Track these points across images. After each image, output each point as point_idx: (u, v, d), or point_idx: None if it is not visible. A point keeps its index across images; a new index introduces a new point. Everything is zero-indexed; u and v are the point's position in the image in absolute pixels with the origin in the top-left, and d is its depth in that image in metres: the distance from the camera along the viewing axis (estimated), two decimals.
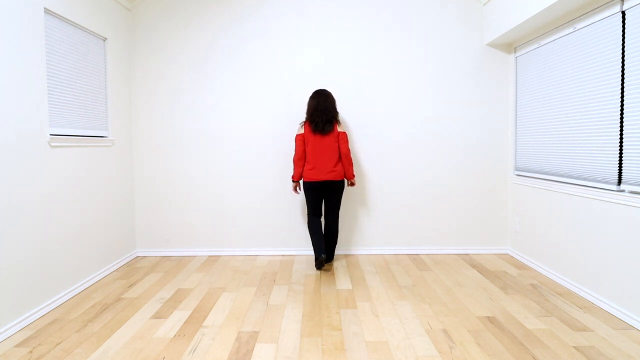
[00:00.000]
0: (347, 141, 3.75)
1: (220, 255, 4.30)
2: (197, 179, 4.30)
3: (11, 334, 2.58)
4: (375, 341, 2.45)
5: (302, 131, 3.78)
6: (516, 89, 4.12)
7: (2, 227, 2.55)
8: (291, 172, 4.29)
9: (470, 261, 4.04)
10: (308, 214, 3.87)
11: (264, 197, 4.31)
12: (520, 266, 3.85)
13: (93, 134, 3.59)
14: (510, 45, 4.17)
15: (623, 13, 2.72)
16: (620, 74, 2.74)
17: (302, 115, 4.26)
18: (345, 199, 4.31)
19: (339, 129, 3.74)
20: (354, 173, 3.86)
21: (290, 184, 4.30)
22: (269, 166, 4.29)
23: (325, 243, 3.88)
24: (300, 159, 3.77)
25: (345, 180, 3.91)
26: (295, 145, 3.78)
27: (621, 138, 2.76)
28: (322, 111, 3.68)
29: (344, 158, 3.75)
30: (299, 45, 4.23)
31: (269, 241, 4.34)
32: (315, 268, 3.85)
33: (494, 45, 4.19)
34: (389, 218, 4.32)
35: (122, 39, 4.06)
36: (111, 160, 3.86)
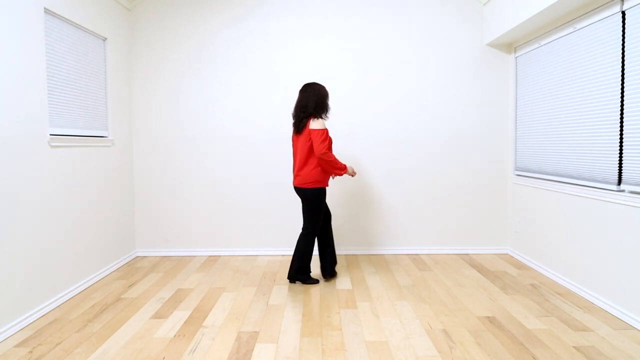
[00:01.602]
0: (319, 138, 3.12)
1: (220, 255, 4.30)
2: (197, 178, 4.30)
3: (11, 334, 2.58)
4: (375, 341, 2.45)
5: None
6: (516, 89, 4.12)
7: (2, 226, 2.54)
8: (292, 172, 4.30)
9: (470, 261, 4.04)
10: None
11: (264, 196, 4.31)
12: (520, 266, 3.85)
13: (93, 134, 3.59)
14: (510, 45, 4.17)
15: (623, 13, 2.72)
16: (620, 74, 2.74)
17: None
18: (345, 198, 4.31)
19: (311, 126, 3.17)
20: (344, 165, 3.27)
21: (290, 186, 4.30)
22: (270, 165, 4.29)
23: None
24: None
25: (314, 189, 3.23)
26: None
27: (621, 138, 2.76)
28: (301, 108, 3.25)
29: (318, 160, 3.19)
30: (299, 44, 4.23)
31: (269, 241, 4.34)
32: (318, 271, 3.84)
33: (494, 45, 4.19)
34: (389, 218, 4.32)
35: (122, 39, 4.06)
36: (111, 160, 3.85)
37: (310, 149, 3.22)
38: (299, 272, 3.40)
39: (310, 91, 3.27)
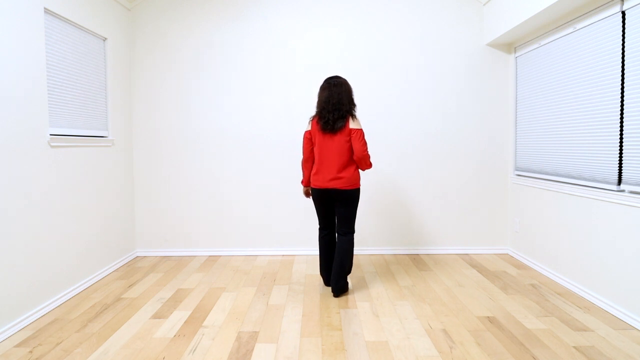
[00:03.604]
0: (362, 139, 3.01)
1: (220, 255, 4.30)
2: (197, 178, 4.30)
3: (11, 334, 2.58)
4: (375, 341, 2.45)
5: (309, 128, 3.16)
6: (516, 89, 4.12)
7: (2, 226, 2.54)
8: (294, 172, 4.29)
9: (470, 261, 4.03)
10: (319, 226, 3.32)
11: (264, 196, 4.31)
12: (520, 266, 3.85)
13: (93, 134, 3.59)
14: (510, 45, 4.17)
15: (623, 13, 2.72)
16: (620, 74, 2.74)
17: (305, 114, 4.26)
18: None
19: (352, 125, 3.01)
20: (370, 162, 3.16)
21: (294, 185, 4.29)
22: (270, 165, 4.29)
23: (333, 270, 3.13)
24: (308, 160, 3.19)
25: (358, 189, 3.13)
26: (303, 145, 3.19)
27: (621, 138, 2.76)
28: (334, 105, 3.00)
29: (358, 161, 3.04)
30: (299, 44, 4.22)
31: (269, 241, 4.34)
32: (319, 275, 3.76)
33: (494, 45, 4.19)
34: (389, 218, 4.32)
35: (122, 39, 4.06)
36: (111, 160, 3.85)
37: (351, 149, 3.05)
38: (345, 279, 3.16)
39: (340, 86, 3.04)
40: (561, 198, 3.37)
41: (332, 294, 3.17)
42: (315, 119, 3.12)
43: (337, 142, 3.04)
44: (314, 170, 3.15)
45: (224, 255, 4.30)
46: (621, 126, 2.76)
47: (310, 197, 3.33)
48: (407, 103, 4.25)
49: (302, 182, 3.31)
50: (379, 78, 4.23)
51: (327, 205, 3.20)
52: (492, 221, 4.32)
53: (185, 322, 2.73)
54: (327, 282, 3.34)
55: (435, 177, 4.29)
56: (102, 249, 3.68)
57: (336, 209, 3.16)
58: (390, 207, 4.31)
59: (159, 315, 2.84)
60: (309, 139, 3.16)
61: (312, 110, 4.24)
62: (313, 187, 3.16)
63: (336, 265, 3.11)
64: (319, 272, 3.72)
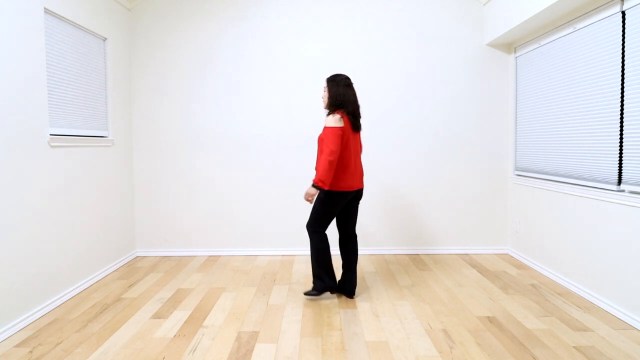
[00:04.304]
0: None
1: (220, 255, 4.30)
2: (197, 178, 4.30)
3: (11, 334, 2.58)
4: (375, 341, 2.45)
5: (341, 124, 2.83)
6: (516, 89, 4.12)
7: (2, 226, 2.54)
8: (294, 172, 4.29)
9: (470, 261, 4.04)
10: (320, 232, 3.03)
11: (263, 196, 4.31)
12: (520, 266, 3.85)
13: (93, 134, 3.59)
14: (510, 45, 4.17)
15: (623, 13, 2.72)
16: (620, 74, 2.74)
17: (305, 114, 4.25)
18: None
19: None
20: None
21: (295, 185, 4.29)
22: (270, 165, 4.29)
23: (347, 273, 3.09)
24: (337, 160, 2.83)
25: None
26: (335, 142, 2.78)
27: (621, 138, 2.76)
28: (357, 103, 2.97)
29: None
30: (299, 44, 4.22)
31: (269, 241, 4.34)
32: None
33: (494, 45, 4.19)
34: (388, 218, 4.32)
35: (122, 39, 4.06)
36: (111, 160, 3.85)
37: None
38: (356, 283, 3.14)
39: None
40: (561, 198, 3.37)
41: (348, 296, 3.11)
42: (346, 116, 2.88)
43: (359, 141, 3.05)
44: (346, 172, 2.89)
45: (224, 255, 4.30)
46: (621, 126, 2.76)
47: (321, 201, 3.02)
48: (407, 103, 4.25)
49: (321, 184, 2.78)
50: (379, 78, 4.23)
51: (342, 208, 3.07)
52: (492, 221, 4.32)
53: (185, 322, 2.73)
54: (333, 286, 3.11)
55: (435, 177, 4.29)
56: (102, 249, 3.68)
57: (351, 209, 3.08)
58: (390, 207, 4.31)
59: (159, 315, 2.84)
60: (341, 135, 2.82)
61: (313, 110, 4.23)
62: (346, 190, 2.90)
63: (354, 266, 3.10)
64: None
